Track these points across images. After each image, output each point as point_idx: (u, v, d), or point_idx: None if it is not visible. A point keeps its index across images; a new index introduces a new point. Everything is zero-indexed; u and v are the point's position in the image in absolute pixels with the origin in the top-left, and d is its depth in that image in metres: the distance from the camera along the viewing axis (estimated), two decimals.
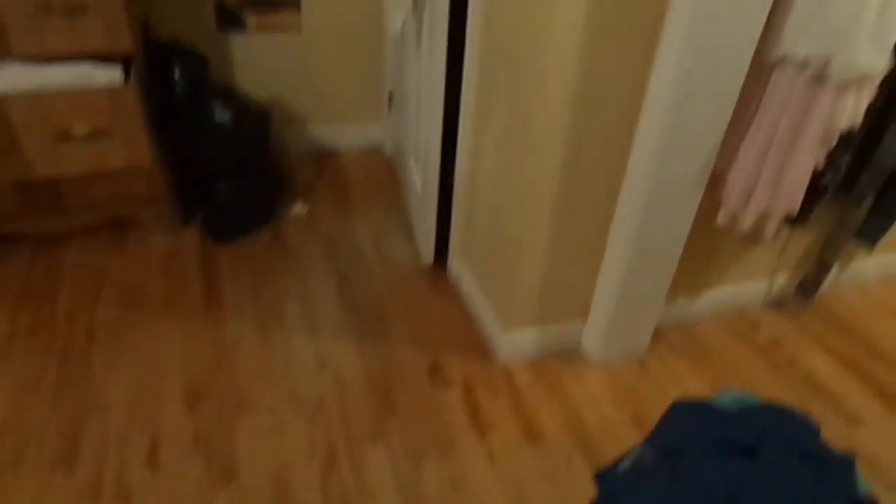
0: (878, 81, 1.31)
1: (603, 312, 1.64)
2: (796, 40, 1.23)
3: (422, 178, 1.96)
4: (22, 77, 1.65)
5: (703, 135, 1.34)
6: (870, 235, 1.78)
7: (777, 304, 2.00)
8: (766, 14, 1.19)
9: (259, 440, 1.46)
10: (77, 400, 1.52)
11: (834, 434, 1.60)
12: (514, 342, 1.68)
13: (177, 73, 1.89)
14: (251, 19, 2.29)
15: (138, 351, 1.67)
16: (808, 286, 1.90)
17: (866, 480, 0.93)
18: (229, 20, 2.26)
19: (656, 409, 1.31)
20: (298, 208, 2.27)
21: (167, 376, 1.60)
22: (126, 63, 1.74)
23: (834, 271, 1.97)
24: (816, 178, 1.50)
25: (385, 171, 2.57)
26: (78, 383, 1.56)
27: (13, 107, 1.65)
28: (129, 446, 1.42)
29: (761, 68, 1.33)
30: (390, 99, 2.53)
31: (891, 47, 1.24)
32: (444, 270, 2.03)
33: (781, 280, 1.95)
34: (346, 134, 2.67)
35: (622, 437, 1.54)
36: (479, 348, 1.75)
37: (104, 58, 1.70)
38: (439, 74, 1.65)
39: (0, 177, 1.75)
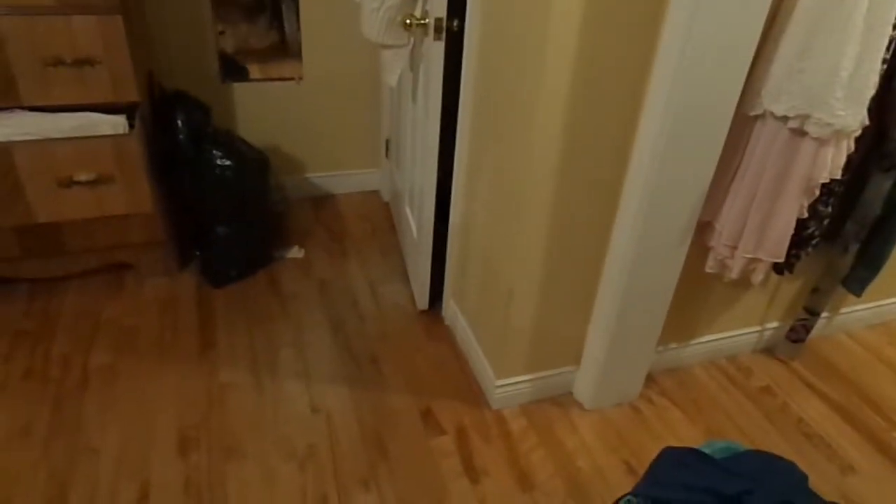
0: (856, 136, 1.37)
1: (595, 359, 1.65)
2: (775, 99, 1.28)
3: (417, 225, 1.99)
4: (28, 124, 1.69)
5: (689, 186, 1.38)
6: (856, 284, 1.81)
7: (768, 349, 2.01)
8: (745, 75, 1.25)
9: (250, 488, 1.45)
10: (68, 445, 1.52)
11: (827, 482, 1.60)
12: (507, 388, 1.69)
13: (179, 122, 1.95)
14: (253, 69, 2.36)
15: (131, 396, 1.67)
16: (797, 332, 1.91)
17: None
18: (232, 70, 2.34)
19: (648, 455, 1.31)
20: (295, 252, 2.30)
21: (160, 422, 1.60)
22: (130, 112, 1.79)
23: (823, 318, 1.99)
24: (802, 227, 1.54)
25: (382, 216, 2.61)
26: (69, 428, 1.56)
27: (18, 153, 1.68)
28: (118, 494, 1.41)
29: (744, 121, 1.39)
30: (388, 146, 2.59)
31: (866, 104, 1.29)
32: (439, 315, 2.05)
33: (772, 326, 1.97)
34: (344, 180, 2.72)
35: (614, 485, 1.53)
36: (472, 394, 1.76)
37: (110, 107, 1.75)
38: (433, 128, 1.70)
39: (2, 221, 1.77)
